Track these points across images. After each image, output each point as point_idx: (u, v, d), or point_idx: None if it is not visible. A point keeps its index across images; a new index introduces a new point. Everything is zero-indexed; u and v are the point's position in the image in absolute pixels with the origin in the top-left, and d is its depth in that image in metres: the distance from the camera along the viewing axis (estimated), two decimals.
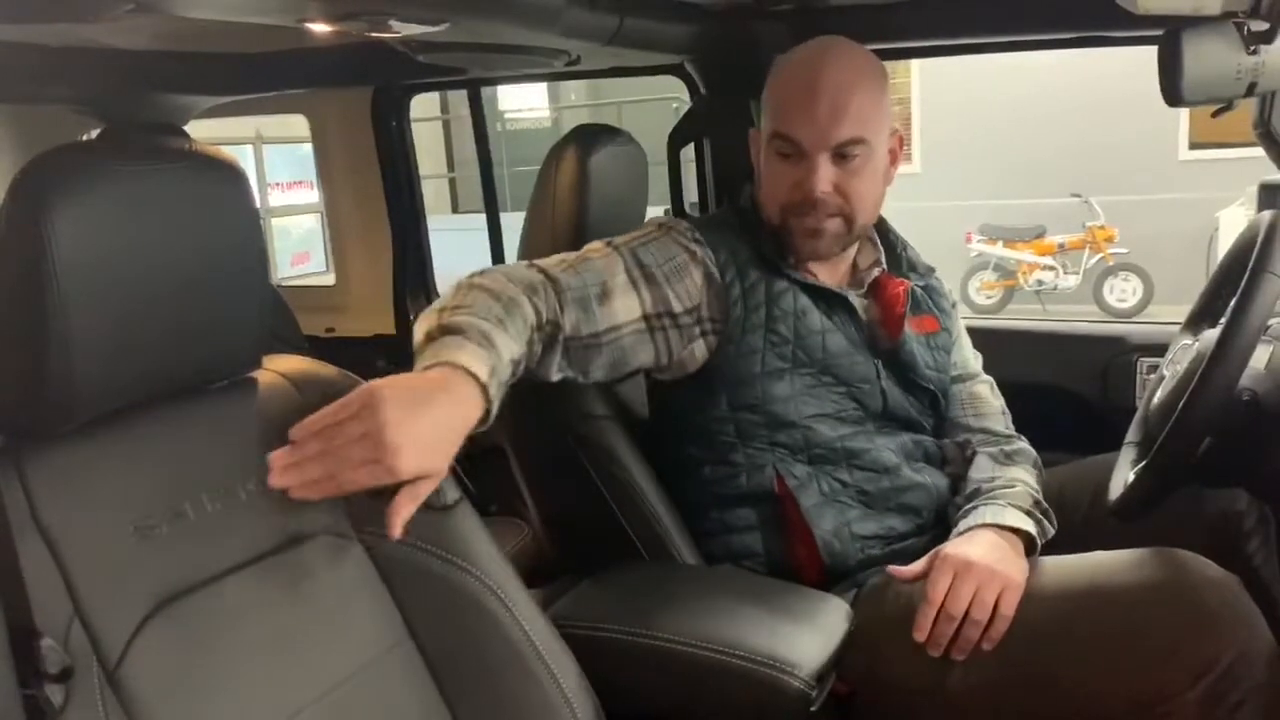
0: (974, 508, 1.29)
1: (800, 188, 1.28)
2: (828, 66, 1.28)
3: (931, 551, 1.23)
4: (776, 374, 1.29)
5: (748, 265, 1.31)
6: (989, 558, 1.17)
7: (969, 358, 1.51)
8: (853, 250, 1.40)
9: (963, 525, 1.26)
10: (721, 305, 1.29)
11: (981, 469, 1.37)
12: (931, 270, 1.48)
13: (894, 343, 1.36)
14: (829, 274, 1.38)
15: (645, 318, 1.26)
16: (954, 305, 1.50)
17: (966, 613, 1.13)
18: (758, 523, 1.32)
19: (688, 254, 1.30)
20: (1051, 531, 1.29)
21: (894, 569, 1.24)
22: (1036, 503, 1.31)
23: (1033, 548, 1.24)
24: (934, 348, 1.41)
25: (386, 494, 0.92)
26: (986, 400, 1.48)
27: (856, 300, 1.37)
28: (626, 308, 1.24)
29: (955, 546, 1.21)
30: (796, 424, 1.29)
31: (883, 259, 1.42)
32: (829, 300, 1.34)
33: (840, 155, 1.27)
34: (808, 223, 1.30)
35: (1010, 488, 1.31)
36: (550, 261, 1.23)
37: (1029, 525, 1.24)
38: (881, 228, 1.44)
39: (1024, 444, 1.44)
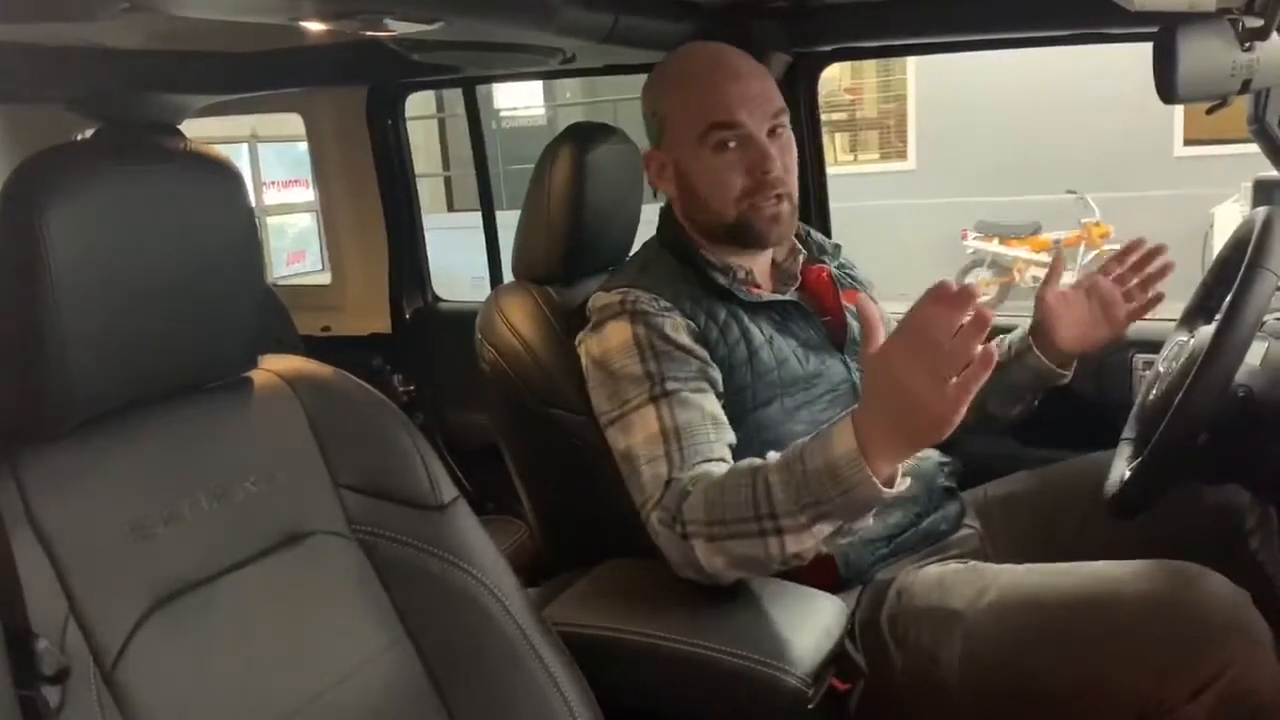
0: None
1: (754, 172, 1.26)
2: (727, 56, 1.29)
3: None
4: (766, 404, 1.27)
5: (713, 305, 1.28)
6: None
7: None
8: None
9: None
10: (708, 351, 1.26)
11: None
12: (838, 247, 1.47)
13: (843, 330, 1.35)
14: (765, 281, 1.36)
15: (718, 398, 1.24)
16: (867, 281, 1.48)
17: None
18: None
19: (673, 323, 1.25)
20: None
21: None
22: None
23: None
24: None
25: None
26: None
27: (802, 298, 1.35)
28: (716, 405, 1.23)
29: None
30: None
31: (799, 247, 1.40)
32: (782, 311, 1.32)
33: (771, 132, 1.27)
34: (768, 209, 1.28)
35: None
36: (691, 458, 1.17)
37: None
38: None
39: None
